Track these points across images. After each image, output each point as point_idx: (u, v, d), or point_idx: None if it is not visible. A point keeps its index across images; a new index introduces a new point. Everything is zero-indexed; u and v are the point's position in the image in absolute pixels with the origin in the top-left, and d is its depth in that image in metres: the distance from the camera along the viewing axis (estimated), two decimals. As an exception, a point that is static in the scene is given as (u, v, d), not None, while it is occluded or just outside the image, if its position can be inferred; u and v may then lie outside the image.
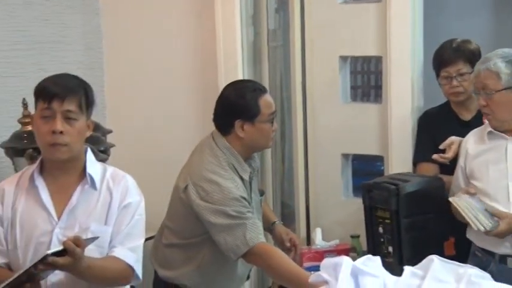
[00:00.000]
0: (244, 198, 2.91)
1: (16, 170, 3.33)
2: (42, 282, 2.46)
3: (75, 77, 2.62)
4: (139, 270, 2.63)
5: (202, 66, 4.06)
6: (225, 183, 2.89)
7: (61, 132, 2.50)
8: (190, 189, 2.91)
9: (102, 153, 3.42)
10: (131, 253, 2.60)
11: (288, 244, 3.23)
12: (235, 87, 3.06)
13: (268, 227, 3.31)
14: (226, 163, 2.96)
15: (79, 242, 2.39)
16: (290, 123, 4.04)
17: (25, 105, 3.39)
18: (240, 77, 3.86)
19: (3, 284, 2.34)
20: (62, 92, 2.51)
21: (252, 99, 2.97)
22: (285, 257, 2.87)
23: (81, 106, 2.54)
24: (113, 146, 3.66)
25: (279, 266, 2.82)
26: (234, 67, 3.89)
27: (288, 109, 4.07)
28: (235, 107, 2.97)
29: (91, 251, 2.50)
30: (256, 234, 2.84)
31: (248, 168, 3.02)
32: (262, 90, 3.04)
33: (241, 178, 2.98)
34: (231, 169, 2.96)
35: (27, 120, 3.33)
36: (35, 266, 2.35)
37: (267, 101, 3.01)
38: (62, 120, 2.51)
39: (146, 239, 2.76)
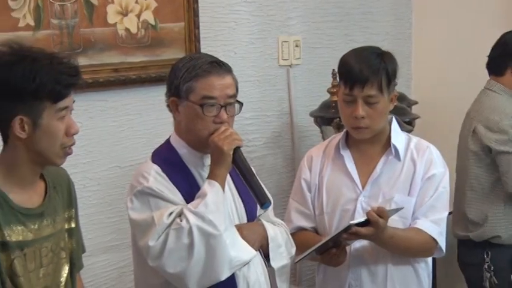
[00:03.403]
0: None
1: (323, 138, 3.45)
2: (346, 247, 2.54)
3: (378, 55, 2.57)
4: (442, 243, 2.59)
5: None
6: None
7: (362, 117, 2.53)
8: (479, 128, 2.87)
9: (407, 125, 3.40)
10: (434, 225, 2.57)
11: None
12: None
13: None
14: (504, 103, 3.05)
15: (383, 214, 2.41)
16: None
17: (334, 75, 3.49)
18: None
19: (313, 248, 2.45)
20: (363, 78, 2.49)
21: None
22: None
23: (381, 89, 2.52)
24: (417, 117, 3.63)
25: None
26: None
27: None
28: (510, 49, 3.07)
29: (394, 222, 2.51)
30: None
31: None
32: None
33: None
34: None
35: (335, 90, 3.42)
36: (339, 234, 2.42)
37: None
38: (362, 105, 2.52)
39: (450, 213, 2.71)
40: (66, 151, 1.99)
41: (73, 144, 2.00)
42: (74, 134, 1.98)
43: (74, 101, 2.00)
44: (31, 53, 1.95)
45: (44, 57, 1.94)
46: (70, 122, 1.97)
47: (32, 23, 2.78)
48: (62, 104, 1.94)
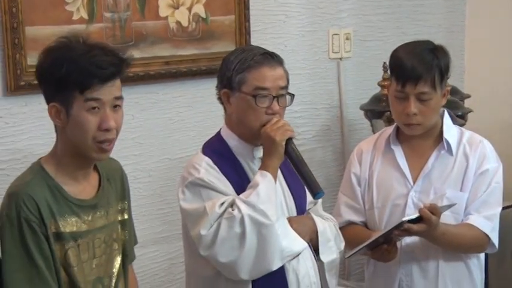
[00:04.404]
0: None
1: (374, 132, 3.42)
2: (397, 242, 2.51)
3: (431, 51, 2.52)
4: (495, 239, 2.55)
5: None
6: None
7: (414, 114, 2.49)
8: None
9: (460, 118, 3.35)
10: (487, 221, 2.53)
11: None
12: None
13: None
14: None
15: (435, 210, 2.39)
16: None
17: (385, 68, 3.45)
18: None
19: (364, 244, 2.44)
20: (416, 75, 2.46)
21: None
22: None
23: (434, 85, 2.48)
24: (470, 111, 3.57)
25: None
26: None
27: None
28: None
29: (446, 217, 2.48)
30: None
31: None
32: None
33: None
34: None
35: (386, 83, 3.39)
36: (391, 231, 2.40)
37: None
38: (415, 102, 2.48)
39: (503, 208, 2.66)
40: (100, 146, 1.96)
41: (107, 139, 1.96)
42: (107, 129, 1.95)
43: (119, 97, 1.98)
44: (75, 43, 1.96)
45: (83, 48, 1.94)
46: (104, 116, 1.94)
47: (86, 16, 2.81)
48: (90, 94, 1.92)
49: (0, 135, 2.66)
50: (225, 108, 2.37)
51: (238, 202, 2.18)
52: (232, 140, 2.35)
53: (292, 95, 2.34)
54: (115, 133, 1.99)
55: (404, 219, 2.39)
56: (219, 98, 2.36)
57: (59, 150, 2.01)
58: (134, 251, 2.26)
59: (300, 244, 2.26)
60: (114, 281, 2.10)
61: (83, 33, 2.05)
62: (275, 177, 2.25)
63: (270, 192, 2.20)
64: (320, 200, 2.43)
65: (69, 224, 1.97)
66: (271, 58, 2.30)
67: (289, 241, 2.22)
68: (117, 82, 1.98)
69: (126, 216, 2.17)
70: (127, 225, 2.18)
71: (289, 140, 2.26)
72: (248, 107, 2.26)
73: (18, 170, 2.11)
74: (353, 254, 2.49)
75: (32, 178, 1.97)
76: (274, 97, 2.27)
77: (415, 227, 2.38)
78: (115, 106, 1.98)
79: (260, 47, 2.39)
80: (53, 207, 1.94)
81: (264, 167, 2.25)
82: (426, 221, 2.38)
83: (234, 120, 2.33)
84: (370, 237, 2.45)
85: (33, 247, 1.90)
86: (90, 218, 2.02)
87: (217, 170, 2.28)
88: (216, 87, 2.37)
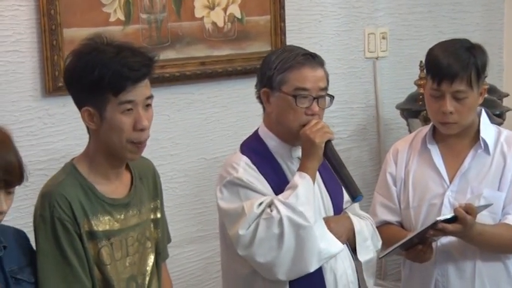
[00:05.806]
0: None
1: (410, 131, 3.41)
2: (433, 243, 2.49)
3: (467, 49, 2.49)
4: None
5: None
6: None
7: (450, 112, 2.47)
8: None
9: (497, 117, 3.32)
10: (525, 221, 2.50)
11: None
12: None
13: None
14: None
15: (471, 210, 2.36)
16: None
17: (422, 67, 3.43)
18: None
19: (398, 244, 2.42)
20: (451, 73, 2.44)
21: None
22: None
23: (471, 84, 2.46)
24: (509, 110, 3.53)
25: None
26: None
27: None
28: None
29: (484, 217, 2.46)
30: None
31: None
32: None
33: None
34: None
35: (423, 82, 3.37)
36: (425, 230, 2.38)
37: None
38: (451, 100, 2.46)
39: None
40: (134, 145, 1.99)
41: (141, 139, 1.99)
42: (141, 130, 1.97)
43: (150, 96, 2.00)
44: (103, 45, 1.97)
45: (113, 50, 1.95)
46: (138, 117, 1.96)
47: (122, 18, 2.84)
48: (124, 97, 1.94)
49: (38, 136, 2.70)
50: (264, 108, 2.37)
51: (277, 203, 2.19)
52: (270, 140, 2.35)
53: (332, 97, 2.34)
54: (148, 132, 2.01)
55: (438, 218, 2.37)
56: (258, 97, 2.36)
57: (91, 150, 2.04)
58: (167, 249, 2.28)
59: (337, 246, 2.26)
60: (147, 279, 2.11)
61: (106, 34, 2.07)
62: (314, 179, 2.25)
63: (308, 194, 2.20)
64: (357, 199, 2.43)
65: (102, 223, 2.00)
66: (313, 59, 2.31)
67: (327, 243, 2.22)
68: (147, 81, 2.00)
69: (158, 215, 2.19)
70: (160, 223, 2.19)
71: (328, 142, 2.26)
72: (288, 107, 2.27)
73: (56, 170, 2.13)
74: (387, 254, 2.48)
75: (64, 178, 2.00)
76: (314, 98, 2.27)
77: (450, 226, 2.36)
78: (146, 105, 2.00)
79: (301, 48, 2.39)
80: (86, 207, 1.97)
81: (302, 168, 2.25)
82: (461, 221, 2.35)
83: (273, 119, 2.33)
84: (405, 237, 2.44)
85: (67, 246, 1.93)
86: (122, 216, 2.04)
87: (256, 169, 2.29)
88: (256, 86, 2.37)
